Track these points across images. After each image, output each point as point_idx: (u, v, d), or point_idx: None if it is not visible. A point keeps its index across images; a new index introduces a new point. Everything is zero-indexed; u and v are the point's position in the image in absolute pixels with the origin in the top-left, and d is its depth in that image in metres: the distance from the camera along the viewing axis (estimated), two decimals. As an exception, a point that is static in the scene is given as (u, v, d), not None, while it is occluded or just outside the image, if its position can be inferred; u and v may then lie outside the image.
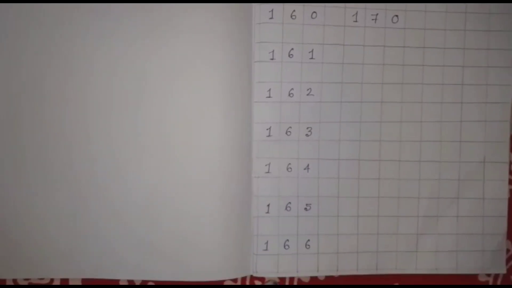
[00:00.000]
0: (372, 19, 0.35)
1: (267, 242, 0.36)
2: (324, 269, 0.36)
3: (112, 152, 0.34)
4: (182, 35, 0.34)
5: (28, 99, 0.34)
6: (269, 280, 0.36)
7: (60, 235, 0.35)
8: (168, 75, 0.34)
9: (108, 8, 0.34)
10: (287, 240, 0.36)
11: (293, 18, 0.35)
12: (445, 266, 0.36)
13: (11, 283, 0.35)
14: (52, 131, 0.34)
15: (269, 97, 0.35)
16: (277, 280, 0.36)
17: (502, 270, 0.37)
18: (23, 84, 0.34)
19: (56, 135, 0.34)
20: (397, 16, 0.36)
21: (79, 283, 0.35)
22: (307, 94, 0.36)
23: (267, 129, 0.36)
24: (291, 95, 0.36)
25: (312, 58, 0.35)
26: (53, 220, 0.35)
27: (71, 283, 0.35)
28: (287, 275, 0.36)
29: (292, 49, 0.35)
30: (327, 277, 0.36)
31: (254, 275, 0.36)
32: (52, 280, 0.35)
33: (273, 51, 0.35)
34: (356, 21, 0.35)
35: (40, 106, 0.34)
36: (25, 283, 0.35)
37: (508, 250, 0.37)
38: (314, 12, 0.35)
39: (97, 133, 0.34)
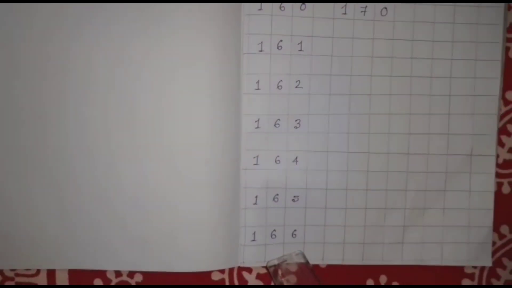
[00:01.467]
0: (361, 12, 0.35)
1: (254, 233, 0.36)
2: (309, 258, 0.36)
3: (104, 145, 0.34)
4: (171, 28, 0.34)
5: (26, 95, 0.34)
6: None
7: (47, 226, 0.35)
8: (158, 67, 0.34)
9: (103, 8, 0.34)
10: (274, 230, 0.36)
11: (282, 10, 0.35)
12: (431, 257, 0.36)
13: (-1, 274, 0.35)
14: (47, 124, 0.34)
15: (258, 89, 0.35)
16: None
17: (488, 262, 0.37)
18: (21, 83, 0.34)
19: (51, 128, 0.34)
20: (386, 8, 0.36)
21: (65, 274, 0.35)
22: (296, 86, 0.36)
23: (256, 121, 0.36)
24: (279, 87, 0.36)
25: (301, 50, 0.35)
26: (40, 211, 0.34)
27: (57, 274, 0.35)
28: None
29: (281, 41, 0.35)
30: (314, 266, 0.36)
31: (242, 265, 0.36)
32: (38, 271, 0.35)
33: (261, 42, 0.35)
34: (345, 13, 0.35)
35: (36, 102, 0.34)
36: (11, 274, 0.35)
37: (494, 243, 0.37)
38: (303, 4, 0.35)
39: (91, 127, 0.34)
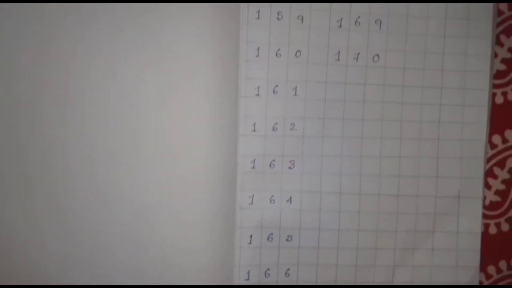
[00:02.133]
0: (354, 58, 0.37)
1: (248, 272, 0.37)
2: (303, 298, 0.37)
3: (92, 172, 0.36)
4: (167, 71, 0.36)
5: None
6: None
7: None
8: (157, 106, 0.36)
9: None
10: (268, 269, 0.37)
11: (278, 56, 0.36)
12: (420, 298, 0.38)
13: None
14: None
15: (254, 130, 0.37)
16: None
17: (476, 302, 0.38)
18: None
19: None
20: (378, 55, 0.37)
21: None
22: (291, 129, 0.37)
23: (252, 162, 0.37)
24: (275, 129, 0.37)
25: (295, 94, 0.37)
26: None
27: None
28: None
29: (277, 85, 0.37)
30: (307, 306, 0.37)
31: (236, 304, 0.37)
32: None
33: (258, 87, 0.36)
34: (338, 60, 0.37)
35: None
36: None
37: (481, 283, 0.38)
38: (298, 51, 0.36)
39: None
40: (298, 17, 0.36)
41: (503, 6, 0.38)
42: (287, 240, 0.37)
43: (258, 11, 0.36)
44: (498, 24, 0.38)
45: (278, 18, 0.36)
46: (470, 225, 0.38)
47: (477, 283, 0.38)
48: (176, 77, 0.36)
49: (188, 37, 0.35)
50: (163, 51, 0.35)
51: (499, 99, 0.38)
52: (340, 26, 0.36)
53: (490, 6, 0.37)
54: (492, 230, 0.38)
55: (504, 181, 0.38)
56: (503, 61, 0.38)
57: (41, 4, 0.34)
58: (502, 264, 0.39)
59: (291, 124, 0.37)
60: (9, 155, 0.35)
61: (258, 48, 0.36)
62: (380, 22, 0.37)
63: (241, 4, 0.35)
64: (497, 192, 0.38)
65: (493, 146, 0.38)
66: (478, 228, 0.38)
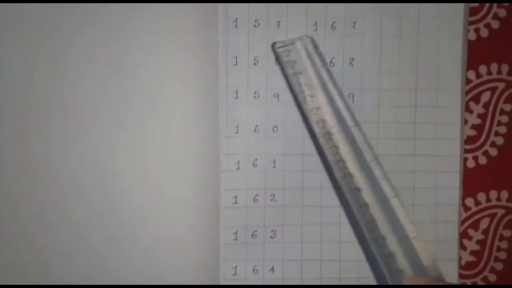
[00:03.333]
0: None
1: None
2: None
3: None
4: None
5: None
6: None
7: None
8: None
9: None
10: (253, 338, 0.38)
11: (256, 132, 0.38)
12: None
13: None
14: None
15: (236, 203, 0.38)
16: None
17: None
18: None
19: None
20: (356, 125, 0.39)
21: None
22: (271, 200, 0.38)
23: (234, 233, 0.38)
24: (256, 200, 0.38)
25: (274, 167, 0.38)
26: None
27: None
28: None
29: (256, 159, 0.38)
30: None
31: None
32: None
33: (238, 161, 0.38)
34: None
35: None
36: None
37: None
38: (275, 126, 0.38)
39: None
40: (274, 95, 0.38)
41: (471, 75, 0.39)
42: (270, 310, 0.38)
43: (236, 91, 0.37)
44: (467, 92, 0.39)
45: (255, 97, 0.38)
46: (447, 287, 0.39)
47: None
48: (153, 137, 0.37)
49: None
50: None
51: (471, 164, 0.40)
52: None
53: (458, 75, 0.39)
54: (469, 289, 0.40)
55: (478, 242, 0.40)
56: (473, 127, 0.40)
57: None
58: (480, 322, 0.40)
59: (271, 195, 0.38)
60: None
61: (237, 126, 0.38)
62: (353, 95, 0.38)
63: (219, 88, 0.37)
64: (472, 253, 0.40)
65: (466, 208, 0.40)
66: (455, 290, 0.39)
